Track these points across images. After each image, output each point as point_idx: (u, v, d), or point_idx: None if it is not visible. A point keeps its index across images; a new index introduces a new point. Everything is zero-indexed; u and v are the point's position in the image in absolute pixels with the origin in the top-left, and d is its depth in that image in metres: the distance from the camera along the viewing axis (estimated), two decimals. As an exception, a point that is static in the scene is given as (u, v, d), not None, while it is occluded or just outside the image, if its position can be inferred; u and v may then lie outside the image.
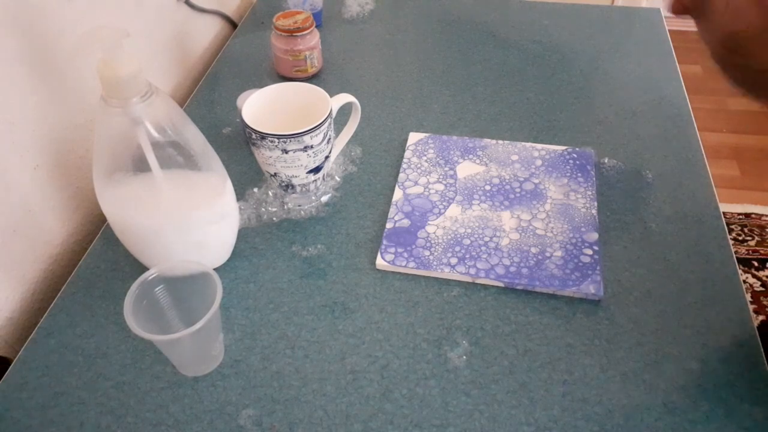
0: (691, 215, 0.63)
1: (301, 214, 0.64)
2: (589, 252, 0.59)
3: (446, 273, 0.58)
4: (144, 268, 0.57)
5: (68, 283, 0.59)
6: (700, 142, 0.72)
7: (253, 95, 0.61)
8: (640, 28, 0.93)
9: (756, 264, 1.53)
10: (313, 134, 0.57)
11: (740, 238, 1.60)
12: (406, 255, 0.59)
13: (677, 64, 0.85)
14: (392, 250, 0.60)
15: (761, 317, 1.43)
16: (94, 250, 0.62)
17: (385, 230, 0.62)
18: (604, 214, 0.64)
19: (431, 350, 0.52)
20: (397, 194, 0.66)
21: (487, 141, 0.72)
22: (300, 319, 0.55)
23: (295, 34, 0.79)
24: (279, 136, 0.57)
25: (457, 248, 0.60)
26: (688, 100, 0.79)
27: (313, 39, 0.81)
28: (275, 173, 0.61)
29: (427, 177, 0.67)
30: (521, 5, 0.99)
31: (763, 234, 1.61)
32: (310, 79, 0.83)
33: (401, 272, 0.59)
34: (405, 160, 0.70)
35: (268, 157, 0.59)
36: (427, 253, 0.59)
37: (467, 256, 0.59)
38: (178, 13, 0.85)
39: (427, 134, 0.73)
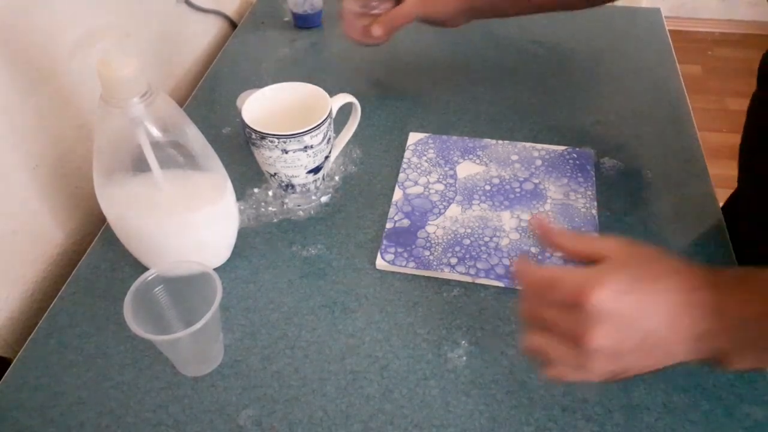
0: (690, 215, 0.63)
1: (300, 214, 0.64)
2: (589, 252, 0.59)
3: (446, 273, 0.58)
4: (144, 268, 0.57)
5: (68, 283, 0.59)
6: (700, 142, 0.72)
7: (253, 95, 0.61)
8: (640, 28, 0.93)
9: (756, 264, 1.53)
10: (313, 134, 0.57)
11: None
12: (406, 255, 0.59)
13: (677, 64, 0.85)
14: (392, 250, 0.60)
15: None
16: (94, 250, 0.62)
17: (385, 230, 0.62)
18: (603, 214, 0.64)
19: (431, 350, 0.52)
20: (397, 194, 0.66)
21: (487, 141, 0.72)
22: (300, 320, 0.55)
23: None
24: (279, 136, 0.57)
25: (457, 248, 0.59)
26: (688, 100, 0.79)
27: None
28: (275, 173, 0.61)
29: (427, 177, 0.67)
30: (521, 5, 0.99)
31: (763, 234, 1.60)
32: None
33: (401, 272, 0.58)
34: (405, 160, 0.70)
35: (268, 157, 0.59)
36: (427, 253, 0.59)
37: (467, 256, 0.59)
38: (178, 13, 0.85)
39: (427, 134, 0.73)
